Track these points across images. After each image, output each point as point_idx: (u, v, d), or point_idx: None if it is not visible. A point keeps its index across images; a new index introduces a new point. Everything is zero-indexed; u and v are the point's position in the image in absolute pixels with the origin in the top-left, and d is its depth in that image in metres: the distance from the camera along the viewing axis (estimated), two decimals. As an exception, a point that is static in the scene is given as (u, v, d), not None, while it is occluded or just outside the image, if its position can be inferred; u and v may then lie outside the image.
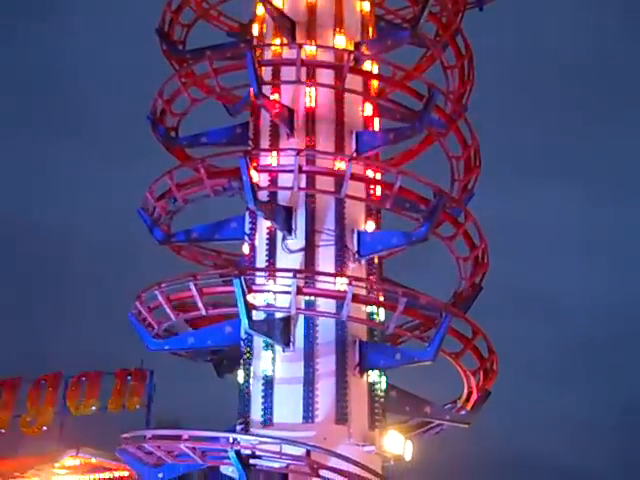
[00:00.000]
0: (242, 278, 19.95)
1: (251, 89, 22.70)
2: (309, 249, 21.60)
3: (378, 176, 22.54)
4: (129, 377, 21.74)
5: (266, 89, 22.79)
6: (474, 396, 21.30)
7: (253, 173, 21.26)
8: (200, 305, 20.62)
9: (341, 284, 20.51)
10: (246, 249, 22.61)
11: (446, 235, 22.45)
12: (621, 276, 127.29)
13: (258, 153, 22.66)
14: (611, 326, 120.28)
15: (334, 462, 18.42)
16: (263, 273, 21.35)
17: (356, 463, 18.39)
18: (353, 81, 22.88)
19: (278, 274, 20.95)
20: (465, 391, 21.52)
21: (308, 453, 18.50)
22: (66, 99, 64.35)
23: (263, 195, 22.12)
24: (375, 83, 23.96)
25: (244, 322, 20.22)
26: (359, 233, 22.01)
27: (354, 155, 22.21)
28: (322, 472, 18.30)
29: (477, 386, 21.19)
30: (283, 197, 22.15)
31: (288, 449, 18.62)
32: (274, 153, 22.49)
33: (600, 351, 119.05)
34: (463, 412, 21.53)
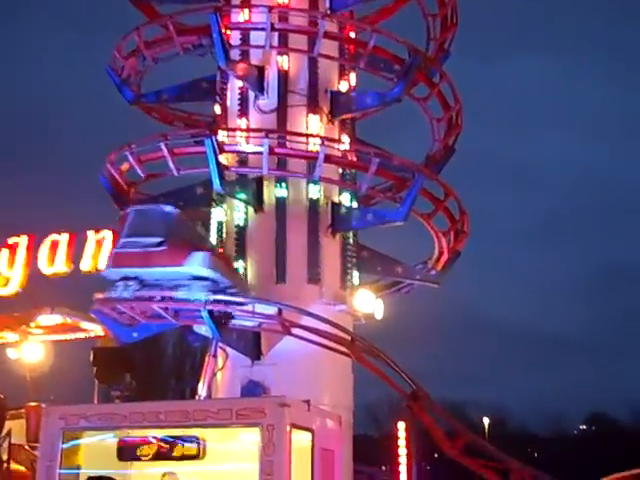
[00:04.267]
0: (213, 138, 19.71)
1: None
2: (281, 109, 21.29)
3: (352, 35, 22.07)
4: (103, 238, 21.60)
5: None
6: (444, 257, 21.56)
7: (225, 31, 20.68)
8: (171, 166, 20.39)
9: (314, 144, 20.34)
10: (217, 109, 22.26)
11: (420, 96, 22.17)
12: (602, 148, 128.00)
13: (229, 10, 22.03)
14: (584, 195, 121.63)
15: (306, 320, 18.67)
16: (234, 133, 21.04)
17: (327, 321, 18.67)
18: None
19: (250, 134, 20.74)
20: (436, 252, 21.76)
21: (280, 312, 18.77)
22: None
23: (235, 54, 21.61)
24: None
25: (216, 183, 20.11)
26: (332, 93, 21.69)
27: (328, 12, 21.57)
28: (294, 330, 18.58)
29: (447, 247, 21.41)
30: (255, 56, 21.68)
31: (260, 308, 18.87)
32: (246, 10, 21.86)
33: (571, 218, 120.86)
34: (433, 272, 21.84)
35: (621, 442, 56.97)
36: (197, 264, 17.76)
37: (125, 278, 18.18)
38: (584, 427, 70.63)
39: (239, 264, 20.37)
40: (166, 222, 18.31)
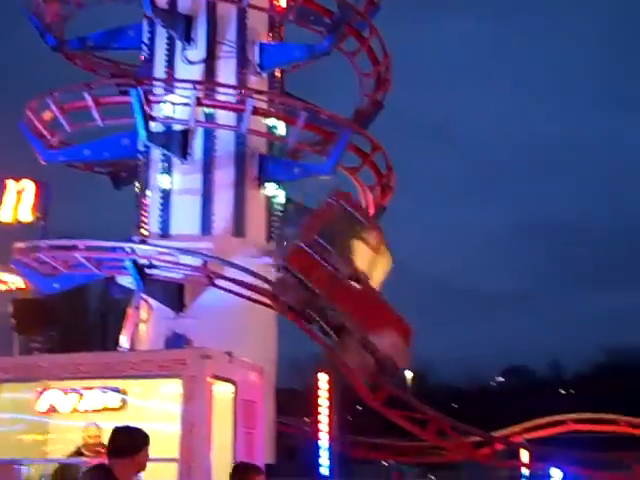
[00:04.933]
0: (140, 88, 19.36)
1: None
2: (209, 60, 20.99)
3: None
4: (23, 188, 21.08)
5: None
6: (370, 211, 21.67)
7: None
8: (96, 116, 19.98)
9: (241, 97, 20.13)
10: (144, 59, 21.82)
11: (349, 50, 22.09)
12: (529, 107, 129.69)
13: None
14: (515, 151, 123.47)
15: (231, 273, 18.63)
16: (161, 84, 20.69)
17: (252, 273, 18.66)
18: None
19: (177, 85, 20.42)
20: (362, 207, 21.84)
21: (205, 263, 18.69)
22: None
23: (162, 2, 21.17)
24: None
25: (141, 134, 19.80)
26: (261, 45, 21.45)
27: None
28: (218, 282, 18.53)
29: (373, 202, 21.52)
30: (183, 5, 21.27)
31: (185, 259, 18.76)
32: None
33: (501, 175, 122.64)
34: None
35: (539, 393, 58.77)
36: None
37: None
38: (503, 379, 72.48)
39: (163, 216, 20.21)
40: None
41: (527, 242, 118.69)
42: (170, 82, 20.66)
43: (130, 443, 6.43)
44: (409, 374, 56.71)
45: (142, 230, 20.52)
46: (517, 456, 20.37)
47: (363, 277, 17.84)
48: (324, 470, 17.74)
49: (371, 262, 18.16)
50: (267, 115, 20.65)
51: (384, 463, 26.31)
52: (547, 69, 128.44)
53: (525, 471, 20.25)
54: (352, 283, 17.63)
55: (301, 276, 17.39)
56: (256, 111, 19.92)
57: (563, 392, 65.94)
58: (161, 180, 20.59)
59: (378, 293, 18.43)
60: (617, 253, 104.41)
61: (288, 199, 21.52)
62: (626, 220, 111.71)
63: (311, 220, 18.23)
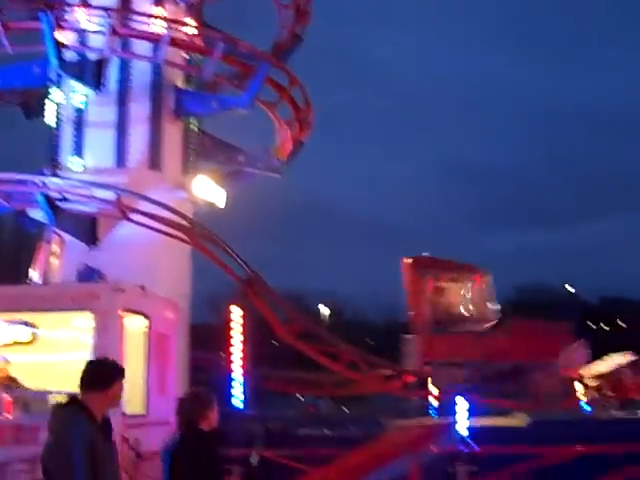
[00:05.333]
0: (50, 13, 18.69)
1: None
2: (126, -13, 20.34)
3: None
4: None
5: None
6: (288, 147, 21.61)
7: None
8: (4, 42, 19.22)
9: (159, 26, 19.66)
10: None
11: (268, -20, 21.71)
12: (455, 47, 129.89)
13: None
14: (438, 89, 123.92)
15: (145, 207, 18.39)
16: (74, 9, 20.00)
17: (168, 208, 18.48)
18: None
19: (91, 12, 19.77)
20: (279, 142, 21.77)
21: (118, 197, 18.39)
22: None
23: None
24: None
25: (53, 62, 19.18)
26: (179, -28, 20.88)
27: None
28: (132, 216, 18.28)
29: (291, 137, 21.43)
30: None
31: (98, 193, 18.43)
32: None
33: (423, 114, 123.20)
34: (276, 162, 21.89)
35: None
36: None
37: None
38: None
39: (76, 149, 19.74)
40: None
41: (446, 180, 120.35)
42: (83, 8, 19.97)
43: (104, 376, 6.30)
44: (326, 309, 57.43)
45: (54, 163, 20.01)
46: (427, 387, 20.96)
47: None
48: (237, 403, 17.93)
49: None
50: (184, 46, 20.22)
51: (299, 396, 26.77)
52: (474, 8, 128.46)
53: (434, 401, 20.85)
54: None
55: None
56: (173, 41, 19.47)
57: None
58: (74, 111, 20.04)
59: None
60: (533, 194, 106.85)
61: (205, 133, 21.25)
62: (547, 161, 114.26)
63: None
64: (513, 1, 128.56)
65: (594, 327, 65.64)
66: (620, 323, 62.93)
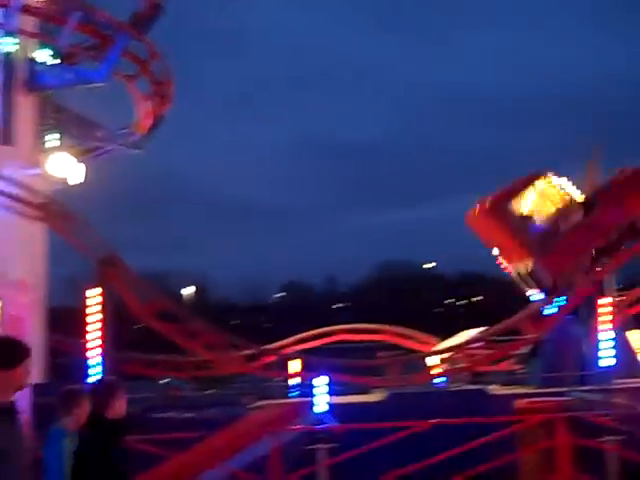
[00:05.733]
0: None
1: None
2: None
3: None
4: None
5: None
6: (148, 121, 21.02)
7: None
8: None
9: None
10: None
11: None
12: (322, 23, 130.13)
13: None
14: (296, 67, 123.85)
15: (-1, 184, 17.51)
16: None
17: (20, 185, 17.67)
18: None
19: None
20: (138, 116, 21.15)
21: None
22: None
23: None
24: None
25: None
26: None
27: None
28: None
29: (151, 111, 20.85)
30: None
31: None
32: None
33: (291, 91, 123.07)
34: (136, 137, 21.27)
35: (314, 307, 60.99)
36: None
37: None
38: (281, 294, 74.21)
39: None
40: None
41: (312, 158, 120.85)
42: None
43: (9, 354, 5.76)
44: (190, 289, 56.85)
45: None
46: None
47: None
48: (95, 386, 17.38)
49: None
50: (37, 14, 19.23)
51: (164, 380, 26.31)
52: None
53: (295, 381, 20.93)
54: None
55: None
56: (25, 8, 18.51)
57: (340, 305, 68.73)
58: None
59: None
60: (397, 172, 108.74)
61: (61, 106, 20.38)
62: (412, 139, 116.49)
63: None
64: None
65: (452, 301, 67.85)
66: (477, 299, 65.19)
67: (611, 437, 13.14)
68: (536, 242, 19.83)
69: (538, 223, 19.94)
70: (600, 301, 18.31)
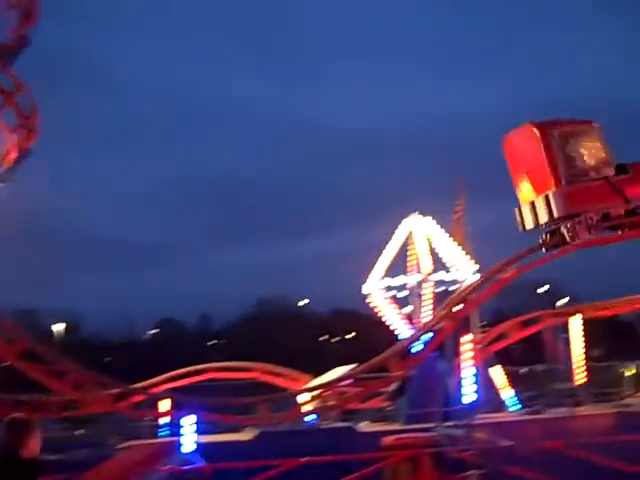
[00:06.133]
0: None
1: None
2: None
3: None
4: None
5: None
6: (13, 154, 20.39)
7: None
8: None
9: None
10: None
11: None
12: (187, 62, 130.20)
13: None
14: (169, 102, 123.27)
15: None
16: None
17: None
18: None
19: None
20: (3, 149, 20.48)
21: None
22: None
23: None
24: None
25: None
26: None
27: None
28: None
29: (16, 144, 20.23)
30: None
31: None
32: None
33: (154, 125, 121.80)
34: (1, 170, 20.58)
35: (186, 342, 60.22)
36: None
37: None
38: (154, 331, 72.90)
39: None
40: None
41: (181, 194, 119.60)
42: None
43: None
44: (60, 326, 55.02)
45: None
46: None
47: None
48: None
49: None
50: None
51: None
52: (210, 26, 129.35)
53: (164, 420, 20.50)
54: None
55: None
56: None
57: (214, 342, 68.03)
58: None
59: None
60: (271, 208, 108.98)
61: None
62: (278, 171, 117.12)
63: None
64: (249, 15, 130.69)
65: (326, 338, 68.25)
66: (350, 335, 65.74)
67: (473, 471, 13.44)
68: (567, 173, 20.29)
69: (574, 160, 20.47)
70: (462, 338, 18.77)
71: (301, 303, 68.53)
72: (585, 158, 20.68)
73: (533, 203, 20.54)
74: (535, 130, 20.46)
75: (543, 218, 20.30)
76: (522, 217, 20.93)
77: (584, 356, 24.52)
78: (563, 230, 20.12)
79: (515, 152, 21.09)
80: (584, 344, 24.63)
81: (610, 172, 20.45)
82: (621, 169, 20.69)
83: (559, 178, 20.11)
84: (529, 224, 20.79)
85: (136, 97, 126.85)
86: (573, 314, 25.04)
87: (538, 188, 20.47)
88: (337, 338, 68.16)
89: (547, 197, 20.00)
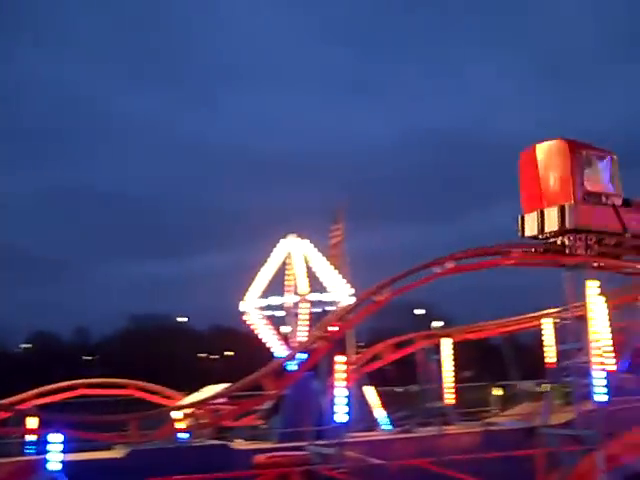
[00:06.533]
0: None
1: None
2: None
3: None
4: None
5: None
6: None
7: None
8: None
9: None
10: None
11: None
12: (94, 77, 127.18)
13: None
14: (58, 119, 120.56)
15: None
16: None
17: None
18: None
19: None
20: None
21: None
22: None
23: None
24: None
25: None
26: None
27: None
28: None
29: None
30: None
31: None
32: None
33: (41, 141, 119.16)
34: None
35: (65, 359, 58.90)
36: None
37: None
38: (27, 345, 70.94)
39: None
40: None
41: (60, 208, 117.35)
42: None
43: None
44: None
45: None
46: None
47: None
48: None
49: None
50: None
51: None
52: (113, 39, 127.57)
53: (32, 437, 19.96)
54: None
55: None
56: None
57: (88, 357, 66.84)
58: None
59: None
60: (155, 225, 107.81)
61: None
62: (166, 188, 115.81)
63: None
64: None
65: (205, 356, 67.79)
66: (229, 353, 65.50)
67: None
68: (584, 191, 21.41)
69: (592, 182, 21.59)
70: (336, 358, 19.06)
71: (180, 320, 67.96)
72: (601, 182, 22.02)
73: (542, 212, 21.83)
74: (566, 146, 21.72)
75: (552, 227, 21.61)
76: (524, 224, 22.28)
77: (454, 377, 25.31)
78: (565, 241, 21.52)
79: (536, 163, 22.33)
80: (454, 365, 25.43)
81: (618, 202, 22.05)
82: (626, 202, 22.36)
83: (577, 193, 21.44)
84: (530, 231, 22.08)
85: (25, 113, 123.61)
86: (444, 336, 25.84)
87: (552, 199, 21.77)
88: (216, 356, 67.89)
89: (563, 208, 21.39)
